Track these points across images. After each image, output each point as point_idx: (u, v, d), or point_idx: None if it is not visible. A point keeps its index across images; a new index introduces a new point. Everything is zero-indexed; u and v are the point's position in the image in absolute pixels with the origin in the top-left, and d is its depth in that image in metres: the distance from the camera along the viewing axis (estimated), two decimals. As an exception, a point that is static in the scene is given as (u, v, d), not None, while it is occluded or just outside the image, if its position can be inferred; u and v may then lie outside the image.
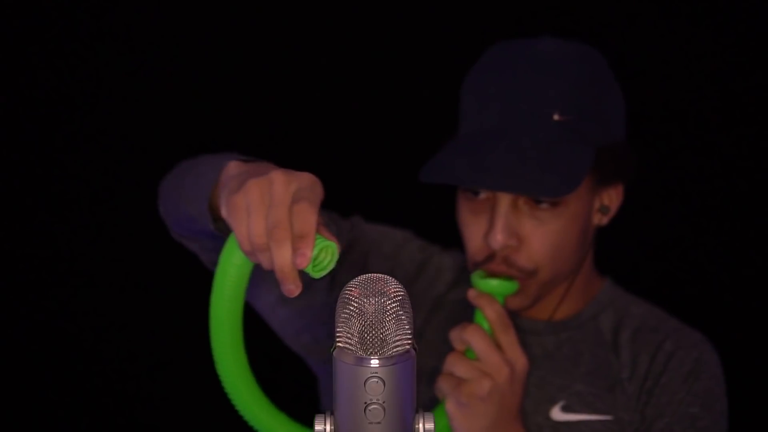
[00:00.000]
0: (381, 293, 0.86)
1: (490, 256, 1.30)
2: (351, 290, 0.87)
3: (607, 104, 1.33)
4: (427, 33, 2.07)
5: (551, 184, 1.25)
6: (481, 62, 1.36)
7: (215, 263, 1.15)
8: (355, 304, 0.86)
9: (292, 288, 0.97)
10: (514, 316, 1.35)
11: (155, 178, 2.18)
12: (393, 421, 0.86)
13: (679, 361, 1.36)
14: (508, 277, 1.30)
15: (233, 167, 1.06)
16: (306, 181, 1.00)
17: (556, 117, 1.28)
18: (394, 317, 0.86)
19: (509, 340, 1.24)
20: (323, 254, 1.00)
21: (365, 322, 0.85)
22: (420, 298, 1.44)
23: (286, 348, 1.49)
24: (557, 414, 1.35)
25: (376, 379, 0.85)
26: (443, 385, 1.24)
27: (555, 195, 1.25)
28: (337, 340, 0.87)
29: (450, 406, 1.23)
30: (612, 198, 1.37)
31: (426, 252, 1.48)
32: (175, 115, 2.13)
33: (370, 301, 0.86)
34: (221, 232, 1.11)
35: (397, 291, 0.87)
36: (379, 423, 0.86)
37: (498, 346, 1.24)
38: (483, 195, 1.29)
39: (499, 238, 1.27)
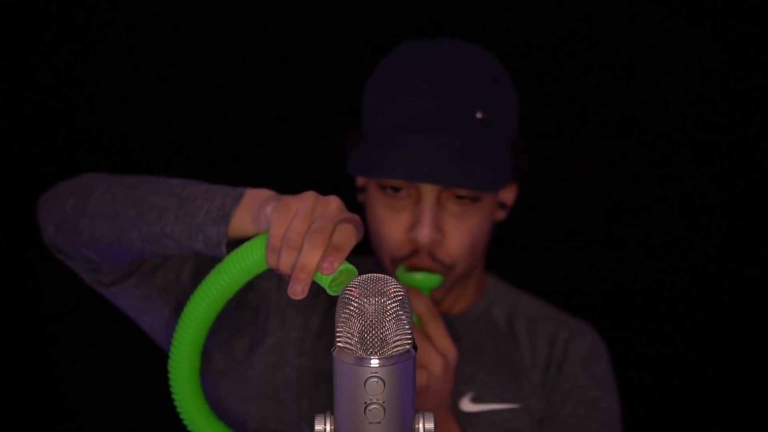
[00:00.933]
0: (381, 293, 0.86)
1: (415, 251, 1.31)
2: (351, 290, 0.87)
3: (511, 104, 1.37)
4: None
5: (486, 179, 1.29)
6: (392, 59, 1.37)
7: (99, 283, 1.25)
8: (355, 304, 0.86)
9: (299, 290, 0.99)
10: None
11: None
12: (393, 421, 0.86)
13: (576, 348, 1.41)
14: (432, 271, 1.32)
15: (264, 191, 1.10)
16: (356, 217, 1.05)
17: (478, 115, 1.30)
18: (394, 317, 0.86)
19: (440, 332, 1.25)
20: (344, 275, 1.02)
21: (365, 322, 0.85)
22: (317, 300, 1.42)
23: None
24: (467, 405, 1.37)
25: (376, 379, 0.85)
26: None
27: (491, 190, 1.29)
28: (337, 340, 0.87)
29: None
30: (508, 194, 1.41)
31: None
32: (174, 115, 2.13)
33: (370, 301, 0.86)
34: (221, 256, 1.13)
35: (397, 291, 0.87)
36: (379, 423, 0.86)
37: (429, 338, 1.24)
38: (404, 190, 1.31)
39: (427, 233, 1.28)
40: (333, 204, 1.04)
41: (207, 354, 1.37)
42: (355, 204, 1.41)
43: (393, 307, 0.86)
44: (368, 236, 1.38)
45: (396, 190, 1.31)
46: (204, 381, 1.32)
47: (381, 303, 0.86)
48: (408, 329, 0.87)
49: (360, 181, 1.40)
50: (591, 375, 1.40)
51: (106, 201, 1.22)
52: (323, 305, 1.42)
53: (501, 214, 1.42)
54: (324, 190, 1.07)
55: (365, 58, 1.46)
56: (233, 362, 1.38)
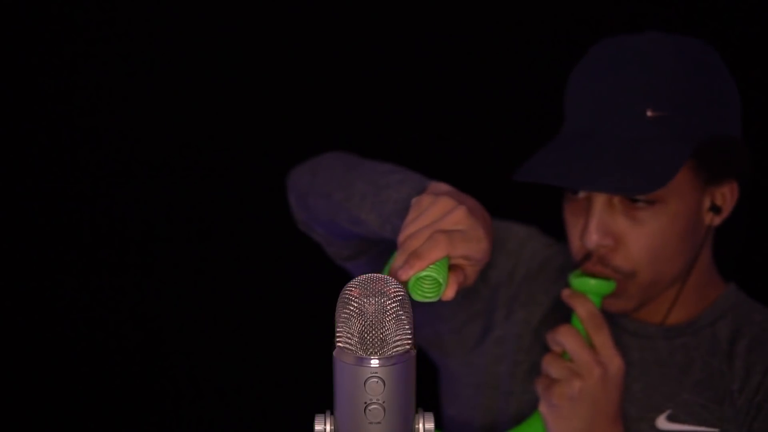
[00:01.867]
0: (381, 293, 0.86)
1: (587, 256, 1.28)
2: (351, 290, 0.87)
3: (712, 97, 1.27)
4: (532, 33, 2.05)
5: (635, 181, 1.21)
6: (582, 61, 1.33)
7: (337, 256, 1.34)
8: (355, 304, 0.86)
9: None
10: (623, 318, 1.34)
11: (155, 178, 2.19)
12: (393, 421, 0.86)
13: None
14: (606, 278, 1.27)
15: (443, 186, 1.14)
16: (471, 230, 1.06)
17: (649, 113, 1.24)
18: (394, 317, 0.86)
19: (602, 341, 1.22)
20: (428, 283, 1.05)
21: (365, 322, 0.85)
22: (540, 296, 1.42)
23: (290, 349, 1.47)
24: (663, 423, 1.31)
25: (376, 379, 0.85)
26: (538, 387, 1.24)
27: (637, 193, 1.22)
28: (337, 340, 0.87)
29: (543, 407, 1.23)
30: (725, 197, 1.31)
31: (551, 249, 1.45)
32: (173, 114, 2.13)
33: (370, 301, 0.86)
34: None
35: (397, 291, 0.87)
36: (379, 423, 0.86)
37: (591, 347, 1.22)
38: (581, 195, 1.27)
39: (593, 238, 1.25)
40: (455, 213, 1.06)
41: (439, 337, 1.42)
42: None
43: (393, 307, 0.86)
44: None
45: (575, 193, 1.29)
46: (434, 359, 1.44)
47: (381, 303, 0.86)
48: (408, 329, 0.87)
49: None
50: None
51: (326, 181, 1.30)
52: (546, 302, 1.41)
53: (715, 219, 1.31)
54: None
55: (282, 73, 1.43)
56: (463, 348, 1.42)
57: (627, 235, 1.25)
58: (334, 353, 0.87)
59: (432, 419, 0.89)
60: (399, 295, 0.87)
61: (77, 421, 2.22)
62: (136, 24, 2.12)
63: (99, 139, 2.16)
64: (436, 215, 1.06)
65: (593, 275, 1.27)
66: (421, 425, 0.89)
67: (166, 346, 2.19)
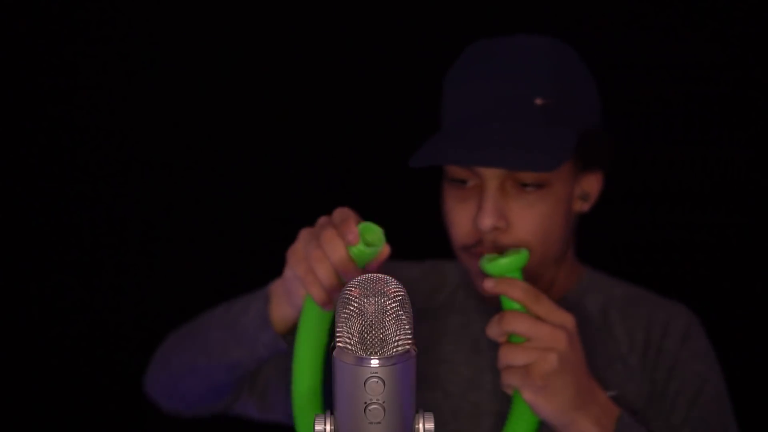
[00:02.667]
0: (381, 293, 0.86)
1: (479, 241, 1.31)
2: (351, 290, 0.87)
3: (583, 92, 1.36)
4: (409, 33, 2.08)
5: (540, 160, 1.27)
6: (462, 58, 1.39)
7: (219, 410, 1.44)
8: (355, 304, 0.86)
9: (351, 272, 1.15)
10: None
11: (155, 179, 2.19)
12: (393, 421, 0.86)
13: (674, 327, 1.40)
14: (516, 250, 1.29)
15: (278, 281, 1.30)
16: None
17: (538, 101, 1.30)
18: (394, 317, 0.86)
19: (547, 307, 1.21)
20: (368, 234, 1.12)
21: (365, 322, 0.85)
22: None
23: (290, 348, 1.47)
24: None
25: (376, 379, 0.85)
26: (511, 380, 1.20)
27: (545, 170, 1.26)
28: (337, 340, 0.87)
29: (528, 396, 1.19)
30: (592, 185, 1.40)
31: (420, 269, 1.52)
32: (173, 115, 2.14)
33: (370, 301, 0.86)
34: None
35: (397, 291, 0.87)
36: (379, 423, 0.86)
37: (541, 319, 1.20)
38: (471, 182, 1.31)
39: (488, 221, 1.28)
40: (320, 221, 1.20)
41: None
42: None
43: (393, 307, 0.86)
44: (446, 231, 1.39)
45: (463, 182, 1.32)
46: None
47: (381, 303, 0.86)
48: (408, 329, 0.87)
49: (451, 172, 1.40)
50: (692, 351, 1.38)
51: (181, 360, 1.40)
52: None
53: (583, 206, 1.40)
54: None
55: (282, 74, 1.47)
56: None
57: (518, 217, 1.30)
58: (334, 353, 0.87)
59: (432, 419, 0.89)
60: (399, 295, 0.87)
61: (77, 421, 2.22)
62: (136, 24, 2.12)
63: (99, 139, 2.16)
64: (315, 231, 1.20)
65: (501, 255, 1.28)
66: (421, 425, 0.89)
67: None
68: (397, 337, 0.86)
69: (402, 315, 0.86)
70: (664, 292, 1.49)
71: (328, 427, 0.88)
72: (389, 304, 0.86)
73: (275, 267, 1.60)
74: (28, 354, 2.20)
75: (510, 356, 1.19)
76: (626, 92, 2.04)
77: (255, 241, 2.13)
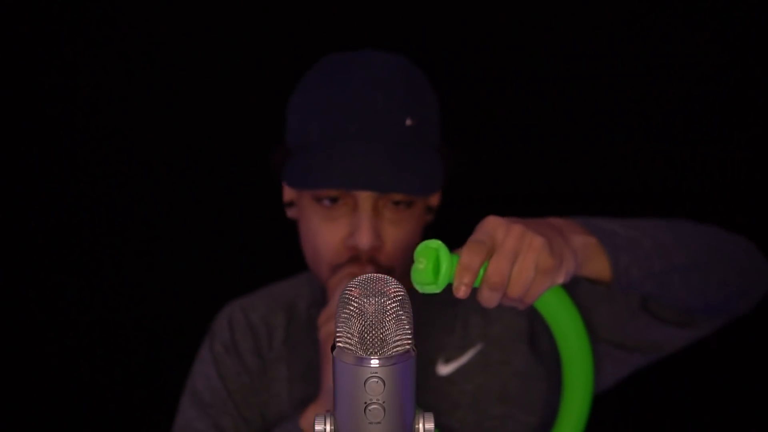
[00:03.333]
0: (381, 293, 0.86)
1: (354, 257, 1.34)
2: (351, 290, 0.87)
3: (434, 110, 1.39)
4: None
5: (422, 184, 1.32)
6: (315, 73, 1.40)
7: None
8: (355, 304, 0.86)
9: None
10: None
11: (156, 178, 2.18)
12: (393, 421, 0.86)
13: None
14: (426, 243, 1.13)
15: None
16: None
17: (408, 122, 1.33)
18: (394, 317, 0.86)
19: (481, 239, 1.06)
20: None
21: (365, 322, 0.85)
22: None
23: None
24: (443, 369, 1.41)
25: (376, 379, 0.85)
26: (540, 285, 1.07)
27: (428, 193, 1.31)
28: (337, 340, 0.87)
29: (564, 276, 1.09)
30: (436, 198, 1.44)
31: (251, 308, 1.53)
32: (173, 115, 2.14)
33: (370, 301, 0.86)
34: None
35: (397, 291, 0.87)
36: (379, 423, 0.86)
37: (494, 249, 1.07)
38: (341, 200, 1.33)
39: (367, 239, 1.31)
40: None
41: None
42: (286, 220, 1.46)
43: (393, 307, 0.86)
44: (302, 249, 1.41)
45: (333, 200, 1.34)
46: None
47: (381, 303, 0.86)
48: (408, 329, 0.87)
49: (288, 195, 1.43)
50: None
51: None
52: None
53: (429, 218, 1.44)
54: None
55: (282, 73, 1.48)
56: None
57: (389, 234, 1.34)
58: (334, 353, 0.87)
59: (432, 419, 0.89)
60: (399, 295, 0.87)
61: (77, 421, 2.22)
62: (136, 24, 2.12)
63: (98, 140, 2.17)
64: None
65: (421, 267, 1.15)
66: (421, 425, 0.89)
67: (165, 346, 2.19)
68: (397, 337, 0.86)
69: (402, 315, 0.86)
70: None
71: (328, 427, 0.88)
72: (389, 304, 0.86)
73: (276, 267, 1.60)
74: (27, 354, 2.20)
75: (501, 277, 1.04)
76: (625, 92, 2.04)
77: (255, 241, 2.13)
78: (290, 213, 1.44)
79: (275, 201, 1.48)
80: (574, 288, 1.32)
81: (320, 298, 1.48)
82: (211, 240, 2.18)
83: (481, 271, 1.04)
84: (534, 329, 1.43)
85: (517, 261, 1.04)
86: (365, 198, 1.32)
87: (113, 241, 2.20)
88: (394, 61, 1.38)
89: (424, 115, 1.36)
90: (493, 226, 1.05)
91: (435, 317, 1.45)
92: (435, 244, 1.03)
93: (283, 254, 1.74)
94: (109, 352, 2.22)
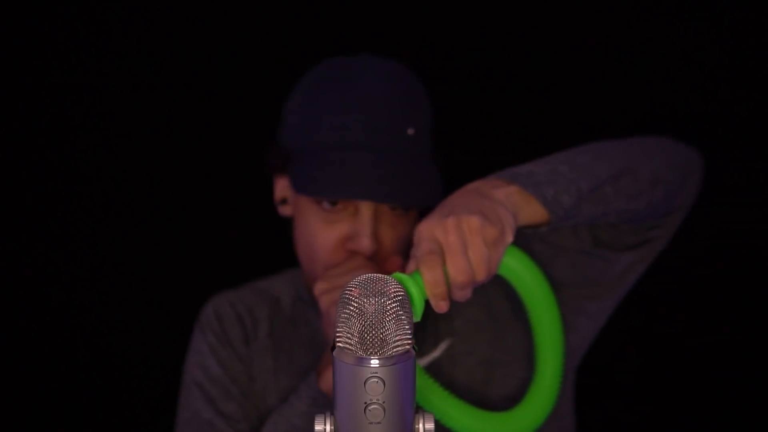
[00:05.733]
0: (381, 293, 0.86)
1: (349, 258, 1.36)
2: (351, 290, 0.87)
3: (429, 117, 1.42)
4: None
5: (423, 194, 1.35)
6: (314, 77, 1.41)
7: None
8: (355, 304, 0.86)
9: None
10: None
11: (155, 179, 2.18)
12: (393, 421, 0.86)
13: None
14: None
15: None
16: None
17: (410, 131, 1.36)
18: (394, 317, 0.86)
19: (421, 251, 1.08)
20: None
21: (365, 322, 0.85)
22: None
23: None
24: (445, 353, 1.43)
25: (376, 379, 0.85)
26: (484, 270, 1.07)
27: (430, 203, 1.32)
28: (337, 340, 0.87)
29: (501, 254, 1.09)
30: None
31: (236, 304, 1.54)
32: (173, 115, 2.14)
33: (370, 302, 0.86)
34: None
35: (397, 291, 0.87)
36: (379, 423, 0.86)
37: (462, 250, 1.07)
38: (340, 204, 1.36)
39: (369, 244, 1.34)
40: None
41: None
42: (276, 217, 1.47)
43: (393, 307, 0.86)
44: (296, 247, 1.42)
45: (333, 203, 1.36)
46: None
47: (381, 303, 0.86)
48: (408, 329, 0.87)
49: (281, 193, 1.45)
50: None
51: None
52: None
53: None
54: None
55: (278, 75, 1.48)
56: None
57: (387, 238, 1.37)
58: (334, 353, 0.87)
59: (432, 419, 0.89)
60: (399, 295, 0.87)
61: (77, 421, 2.22)
62: (136, 24, 2.12)
63: (98, 140, 2.16)
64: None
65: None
66: (421, 425, 0.89)
67: (165, 346, 2.19)
68: (397, 337, 0.86)
69: (402, 315, 0.86)
70: (664, 290, 1.50)
71: (328, 427, 0.88)
72: (389, 304, 0.86)
73: (275, 267, 1.61)
74: (28, 354, 2.20)
75: (462, 274, 1.06)
76: (625, 92, 2.04)
77: (255, 241, 2.13)
78: (282, 210, 1.46)
79: (263, 198, 1.49)
80: (527, 251, 1.32)
81: (305, 296, 1.50)
82: (197, 237, 2.18)
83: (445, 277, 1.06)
84: (489, 300, 1.44)
85: (468, 249, 1.05)
86: (367, 205, 1.35)
87: (113, 241, 2.20)
88: (394, 68, 1.40)
89: (422, 123, 1.39)
90: (429, 231, 1.07)
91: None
92: (397, 278, 1.01)
93: (267, 251, 1.75)
94: (107, 352, 2.22)
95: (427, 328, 1.44)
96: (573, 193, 1.18)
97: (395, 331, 0.86)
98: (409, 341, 0.87)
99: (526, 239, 1.32)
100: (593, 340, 1.46)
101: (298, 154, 1.38)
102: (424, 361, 1.43)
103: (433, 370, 1.42)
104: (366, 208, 1.35)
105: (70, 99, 2.14)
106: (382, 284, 0.87)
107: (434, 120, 1.43)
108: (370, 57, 1.42)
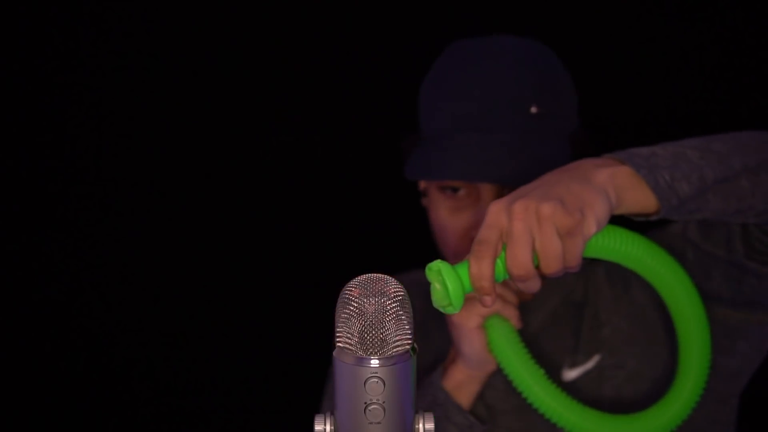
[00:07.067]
0: (381, 293, 0.86)
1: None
2: (351, 290, 0.87)
3: (567, 96, 1.36)
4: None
5: (542, 174, 1.22)
6: (443, 60, 1.38)
7: None
8: (355, 304, 0.86)
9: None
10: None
11: (155, 179, 2.19)
12: (393, 421, 0.86)
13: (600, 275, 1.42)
14: (429, 266, 1.10)
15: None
16: None
17: (533, 110, 1.30)
18: (394, 317, 0.86)
19: (481, 242, 0.98)
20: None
21: (365, 322, 0.85)
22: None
23: (290, 349, 1.48)
24: (568, 374, 1.38)
25: (376, 379, 0.85)
26: (572, 259, 0.98)
27: None
28: (337, 340, 0.86)
29: (594, 229, 0.99)
30: None
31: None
32: (173, 115, 2.14)
33: (370, 301, 0.86)
34: None
35: (397, 291, 0.87)
36: (379, 423, 0.86)
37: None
38: (463, 190, 1.32)
39: None
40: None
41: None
42: (420, 208, 1.44)
43: (393, 307, 0.86)
44: (433, 238, 1.40)
45: (455, 190, 1.32)
46: None
47: (381, 303, 0.86)
48: (408, 329, 0.86)
49: (421, 184, 1.41)
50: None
51: None
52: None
53: None
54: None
55: (414, 60, 1.48)
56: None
57: None
58: (334, 353, 0.87)
59: (432, 419, 0.89)
60: (399, 295, 0.87)
61: (77, 422, 2.22)
62: (136, 24, 2.12)
63: (98, 140, 2.17)
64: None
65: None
66: (421, 425, 0.89)
67: (165, 346, 2.19)
68: (397, 337, 0.86)
69: (402, 315, 0.86)
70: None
71: (328, 427, 0.88)
72: (389, 304, 0.86)
73: (276, 267, 1.61)
74: (27, 354, 2.20)
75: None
76: (625, 92, 2.04)
77: (255, 242, 2.13)
78: (424, 202, 1.42)
79: (276, 199, 1.48)
80: (683, 261, 1.24)
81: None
82: (197, 237, 2.18)
83: (502, 266, 0.96)
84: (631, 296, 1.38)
85: (536, 239, 0.95)
86: (487, 189, 1.30)
87: (113, 240, 2.20)
88: (519, 45, 1.35)
89: (553, 100, 1.32)
90: (495, 215, 0.96)
91: (563, 319, 1.41)
92: (436, 266, 0.96)
93: (283, 254, 1.74)
94: (107, 352, 2.22)
95: (581, 337, 1.39)
96: (694, 182, 1.05)
97: (395, 331, 0.86)
98: (409, 341, 0.87)
99: (681, 246, 1.26)
100: (762, 361, 1.36)
101: (422, 139, 1.35)
102: (574, 372, 1.39)
103: (582, 382, 1.37)
104: (486, 194, 1.30)
105: (78, 98, 2.15)
106: (382, 284, 0.87)
107: (575, 98, 1.36)
108: (499, 36, 1.36)
